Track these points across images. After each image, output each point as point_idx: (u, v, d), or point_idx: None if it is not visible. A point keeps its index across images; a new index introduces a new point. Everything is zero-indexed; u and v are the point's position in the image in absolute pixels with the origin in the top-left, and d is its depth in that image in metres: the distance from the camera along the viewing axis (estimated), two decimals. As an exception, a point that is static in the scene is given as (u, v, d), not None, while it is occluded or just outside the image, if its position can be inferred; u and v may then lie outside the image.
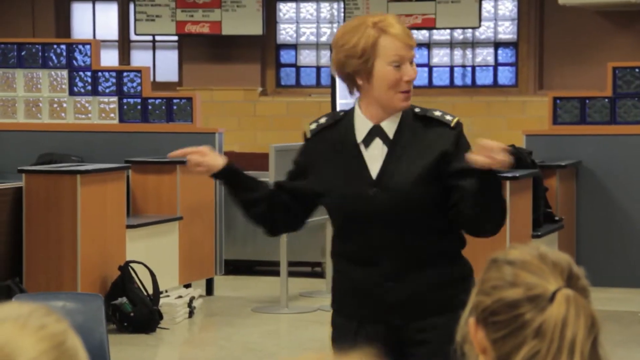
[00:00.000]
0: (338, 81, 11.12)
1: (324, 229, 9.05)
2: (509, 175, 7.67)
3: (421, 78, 12.26)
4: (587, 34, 11.25)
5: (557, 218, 8.48)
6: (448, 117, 3.16)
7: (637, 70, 9.14)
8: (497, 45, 12.07)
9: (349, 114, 3.18)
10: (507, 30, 12.02)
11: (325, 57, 12.53)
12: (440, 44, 12.32)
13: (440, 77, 12.27)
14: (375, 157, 3.12)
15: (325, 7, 12.78)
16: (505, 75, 12.00)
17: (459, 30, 12.11)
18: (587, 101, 9.20)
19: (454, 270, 3.16)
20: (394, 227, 3.08)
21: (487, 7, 12.00)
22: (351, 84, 3.16)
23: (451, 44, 12.27)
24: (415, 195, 3.09)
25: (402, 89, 3.09)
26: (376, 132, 3.12)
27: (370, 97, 3.12)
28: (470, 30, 11.99)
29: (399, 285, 3.10)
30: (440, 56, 12.31)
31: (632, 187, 8.70)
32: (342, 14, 12.34)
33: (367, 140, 3.13)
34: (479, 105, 11.70)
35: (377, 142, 3.11)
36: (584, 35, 11.27)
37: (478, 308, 1.68)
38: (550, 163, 8.77)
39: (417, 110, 3.17)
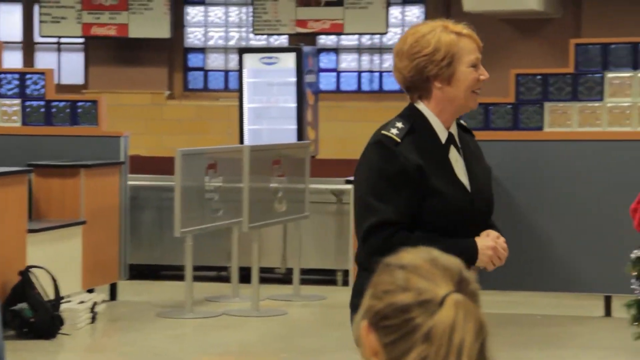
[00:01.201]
0: (247, 86, 11.13)
1: (229, 233, 9.01)
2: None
3: (329, 83, 12.30)
4: (492, 41, 11.38)
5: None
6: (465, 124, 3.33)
7: (539, 77, 9.28)
8: (405, 51, 12.17)
9: (420, 118, 3.16)
10: (414, 37, 12.13)
11: (233, 60, 12.48)
12: (349, 50, 12.38)
13: (348, 82, 12.33)
14: (457, 165, 3.18)
15: (233, 11, 12.74)
16: (413, 81, 12.11)
17: (367, 36, 12.18)
18: (490, 107, 9.31)
19: None
20: (479, 232, 3.18)
21: (395, 13, 12.10)
22: (423, 89, 3.15)
23: (359, 50, 12.34)
24: (492, 205, 3.28)
25: (478, 87, 3.17)
26: (451, 139, 3.19)
27: (445, 101, 3.15)
28: (378, 35, 12.07)
29: None
30: (348, 61, 12.37)
31: (534, 192, 8.83)
32: (251, 18, 12.32)
33: (447, 146, 3.18)
34: (386, 111, 11.73)
35: (453, 150, 3.18)
36: (489, 41, 11.37)
37: (370, 312, 1.68)
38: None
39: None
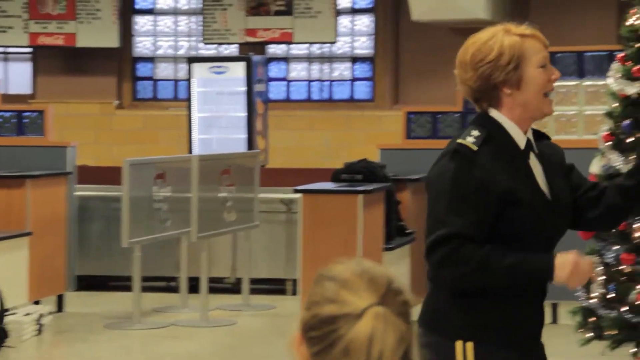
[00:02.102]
0: (196, 95, 11.09)
1: (178, 244, 8.96)
2: (362, 189, 7.73)
3: (279, 92, 12.29)
4: (441, 50, 11.45)
5: (409, 231, 8.58)
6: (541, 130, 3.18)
7: (487, 85, 9.33)
8: (354, 60, 12.19)
9: (494, 125, 3.00)
10: (364, 46, 12.15)
11: (183, 70, 12.43)
12: (298, 59, 12.37)
13: (298, 91, 12.32)
14: (537, 172, 3.02)
15: (183, 20, 12.69)
16: (362, 90, 12.12)
17: (317, 45, 12.18)
18: (439, 116, 9.35)
19: None
20: (557, 242, 3.06)
21: (345, 22, 12.12)
22: (492, 98, 3.00)
23: (309, 59, 12.34)
24: (570, 213, 3.07)
25: (550, 89, 3.01)
26: (530, 145, 3.03)
27: (517, 107, 2.99)
28: (327, 45, 12.08)
29: (542, 309, 3.06)
30: (298, 70, 12.36)
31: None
32: (201, 28, 12.28)
33: (526, 154, 3.02)
34: (336, 120, 11.78)
35: (532, 157, 3.02)
36: (438, 51, 11.47)
37: (301, 322, 1.70)
38: (403, 177, 8.88)
39: None
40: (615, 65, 6.19)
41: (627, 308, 5.78)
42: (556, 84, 9.49)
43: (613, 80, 6.17)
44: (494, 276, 2.89)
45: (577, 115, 8.99)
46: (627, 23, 6.13)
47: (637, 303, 5.75)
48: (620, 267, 5.82)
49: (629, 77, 6.06)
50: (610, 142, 6.05)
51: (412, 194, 8.93)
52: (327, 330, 1.65)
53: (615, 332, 5.83)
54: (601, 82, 8.29)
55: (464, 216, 2.88)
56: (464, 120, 9.30)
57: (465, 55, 3.02)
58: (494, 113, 3.01)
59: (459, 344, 2.93)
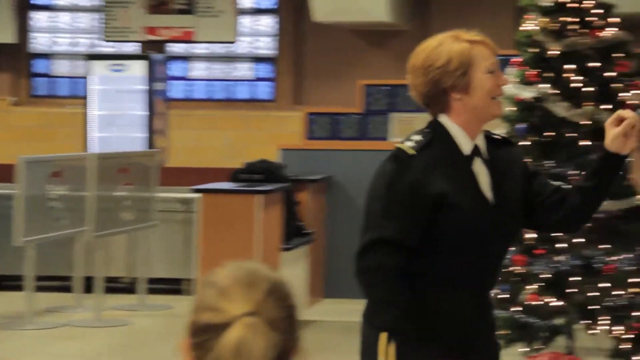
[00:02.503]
0: (96, 93, 10.93)
1: (72, 243, 8.82)
2: (260, 189, 7.71)
3: (180, 91, 12.20)
4: (342, 52, 11.49)
5: (307, 231, 8.59)
6: (506, 136, 3.23)
7: (385, 88, 9.41)
8: (256, 60, 12.16)
9: (441, 131, 3.05)
10: (266, 46, 12.13)
11: (81, 67, 12.25)
12: (199, 58, 12.30)
13: (199, 91, 12.24)
14: (481, 177, 3.05)
15: (83, 17, 12.51)
16: (264, 90, 12.10)
17: (219, 45, 12.12)
18: (339, 117, 9.38)
19: None
20: (502, 251, 3.10)
21: (247, 22, 12.08)
22: (442, 103, 3.05)
23: (210, 58, 12.27)
24: (519, 217, 3.11)
25: (498, 93, 3.05)
26: (476, 150, 3.07)
27: (466, 111, 3.04)
28: (229, 44, 12.03)
29: (488, 307, 3.11)
30: (199, 69, 12.28)
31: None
32: (103, 25, 12.12)
33: (472, 158, 3.06)
34: (237, 119, 11.73)
35: (478, 162, 3.06)
36: (340, 52, 11.51)
37: (187, 325, 1.70)
38: (302, 177, 8.89)
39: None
40: (512, 70, 6.30)
41: (519, 308, 5.89)
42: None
43: (509, 84, 6.28)
44: (383, 310, 2.99)
45: (474, 119, 9.12)
46: (523, 28, 6.25)
47: (527, 303, 5.85)
48: (512, 268, 5.93)
49: (525, 81, 6.17)
50: (506, 145, 6.17)
51: (311, 195, 8.95)
52: (203, 338, 1.65)
53: (507, 332, 5.93)
54: (498, 86, 8.44)
55: (396, 220, 2.95)
56: (364, 122, 9.35)
57: (416, 61, 3.08)
58: (442, 118, 3.07)
59: (383, 336, 2.99)
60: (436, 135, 3.05)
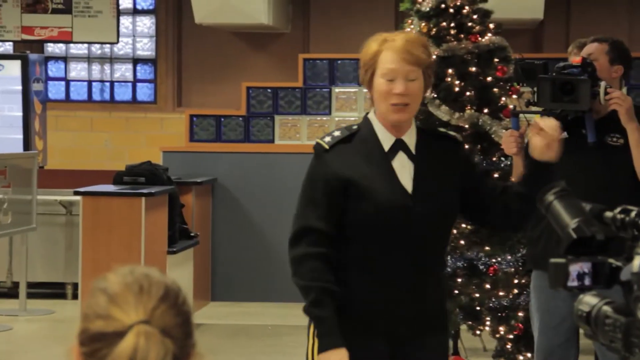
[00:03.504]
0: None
1: (6, 245, 8.64)
2: (145, 191, 7.68)
3: (58, 92, 12.02)
4: (224, 54, 11.49)
5: (192, 234, 8.58)
6: (452, 133, 3.26)
7: (269, 90, 9.46)
8: (136, 61, 12.07)
9: (365, 125, 3.19)
10: (145, 47, 12.05)
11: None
12: (78, 58, 12.14)
13: (78, 92, 12.08)
14: (403, 170, 3.11)
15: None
16: (144, 92, 12.01)
17: (97, 45, 11.99)
18: (223, 119, 9.40)
19: (444, 288, 3.23)
20: (424, 241, 3.10)
21: (126, 23, 11.98)
22: (370, 98, 3.21)
23: (89, 59, 12.13)
24: (445, 210, 3.14)
25: (392, 101, 3.07)
26: (400, 145, 3.14)
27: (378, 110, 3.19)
28: (108, 45, 11.91)
29: (414, 300, 3.10)
30: (77, 70, 12.13)
31: (264, 203, 8.97)
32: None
33: (392, 153, 3.14)
34: (117, 121, 11.62)
35: (402, 156, 3.14)
36: (221, 54, 11.51)
37: (77, 334, 1.65)
38: (186, 179, 8.87)
39: (420, 125, 3.24)
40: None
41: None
42: (337, 89, 9.68)
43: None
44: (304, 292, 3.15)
45: (357, 121, 9.23)
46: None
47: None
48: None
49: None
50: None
51: (196, 197, 8.94)
52: (95, 347, 1.62)
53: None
54: (380, 90, 8.59)
55: (315, 210, 3.13)
56: (247, 124, 9.38)
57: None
58: (370, 113, 3.21)
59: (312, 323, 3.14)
60: (360, 130, 3.18)
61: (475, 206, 3.21)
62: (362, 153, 3.13)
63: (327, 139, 3.18)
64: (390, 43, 3.14)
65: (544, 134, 3.15)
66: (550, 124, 3.16)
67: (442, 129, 3.32)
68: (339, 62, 9.34)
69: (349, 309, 3.10)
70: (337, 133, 3.18)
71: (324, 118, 9.20)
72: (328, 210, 3.12)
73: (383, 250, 3.09)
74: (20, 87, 10.63)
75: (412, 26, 6.34)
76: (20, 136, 10.60)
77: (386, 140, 3.15)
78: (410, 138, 3.16)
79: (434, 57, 3.16)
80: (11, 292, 9.04)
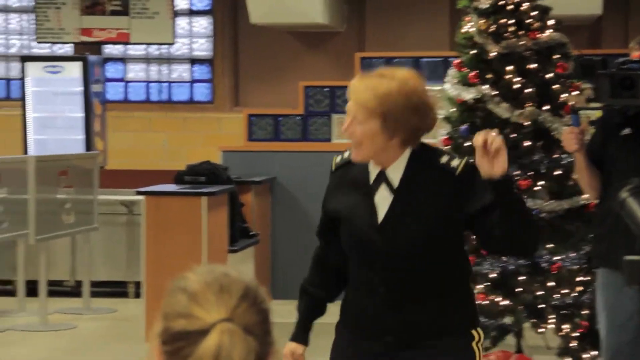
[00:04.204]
0: (31, 95, 10.84)
1: (14, 246, 8.76)
2: (206, 190, 7.74)
3: (117, 93, 12.15)
4: (280, 53, 11.55)
5: (252, 233, 8.63)
6: (454, 164, 3.11)
7: (326, 89, 9.49)
8: (193, 61, 12.16)
9: None
10: (202, 47, 12.14)
11: (14, 69, 12.14)
12: (136, 59, 12.26)
13: (136, 92, 12.21)
14: (381, 203, 3.16)
15: (14, 18, 12.39)
16: (201, 92, 12.11)
17: (155, 46, 12.10)
18: (280, 118, 9.44)
19: (454, 296, 3.20)
20: (395, 270, 3.15)
21: (182, 24, 12.08)
22: None
23: (147, 60, 12.25)
24: (416, 246, 3.12)
25: (347, 136, 3.16)
26: (382, 178, 3.18)
27: None
28: (166, 46, 12.02)
29: (397, 314, 3.17)
30: (135, 71, 12.25)
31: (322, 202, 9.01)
32: (34, 26, 12.02)
33: (376, 185, 3.19)
34: (175, 121, 11.73)
35: (383, 188, 3.17)
36: (278, 54, 11.56)
37: (158, 334, 1.66)
38: (245, 179, 8.93)
39: (420, 158, 3.15)
40: (452, 71, 6.40)
41: (467, 307, 6.00)
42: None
43: (450, 86, 6.38)
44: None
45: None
46: (463, 30, 6.35)
47: (476, 303, 5.96)
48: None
49: (465, 82, 6.27)
50: (449, 146, 6.27)
51: (255, 196, 8.99)
52: (178, 346, 1.62)
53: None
54: (437, 88, 8.52)
55: (321, 221, 3.38)
56: (305, 123, 9.42)
57: None
58: None
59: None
60: None
61: (478, 233, 3.18)
62: (354, 182, 3.22)
63: (338, 159, 3.29)
64: (361, 79, 3.17)
65: (485, 150, 2.96)
66: (484, 136, 2.97)
67: (445, 157, 3.14)
68: (396, 60, 9.34)
69: (349, 317, 3.30)
70: (346, 154, 3.25)
71: (381, 116, 9.23)
72: (326, 226, 3.33)
73: (361, 273, 3.24)
74: (79, 89, 10.76)
75: (470, 23, 6.32)
76: (81, 137, 10.74)
77: (373, 171, 3.20)
78: (395, 171, 3.16)
79: (406, 101, 3.02)
80: (74, 291, 9.16)
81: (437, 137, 6.47)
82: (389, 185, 3.17)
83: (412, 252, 3.13)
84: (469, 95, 6.25)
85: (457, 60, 6.41)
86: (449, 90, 6.37)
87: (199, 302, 1.63)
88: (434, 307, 3.18)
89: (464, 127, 6.26)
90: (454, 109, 6.32)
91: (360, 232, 3.17)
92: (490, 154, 2.93)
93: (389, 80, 3.10)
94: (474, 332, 3.20)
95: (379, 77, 3.12)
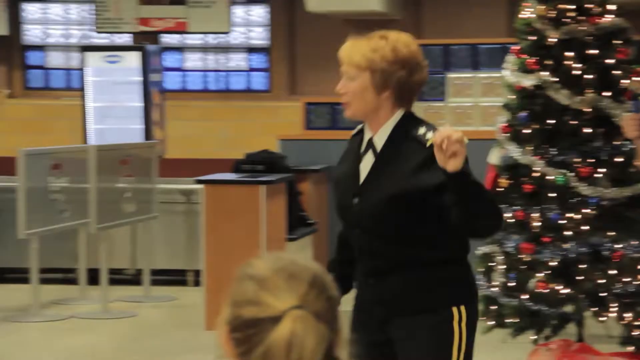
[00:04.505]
0: (91, 84, 10.95)
1: (76, 235, 8.86)
2: (264, 179, 7.77)
3: (175, 82, 12.23)
4: (336, 41, 11.51)
5: (310, 221, 8.65)
6: (428, 136, 3.17)
7: (384, 77, 9.44)
8: (250, 50, 12.20)
9: None
10: (259, 36, 12.17)
11: (75, 59, 12.27)
12: (193, 48, 12.33)
13: (194, 82, 12.28)
14: (365, 168, 3.27)
15: (74, 8, 12.52)
16: (259, 81, 12.14)
17: (212, 35, 12.16)
18: (338, 107, 9.42)
19: (437, 273, 3.23)
20: (372, 234, 3.23)
21: (239, 13, 12.11)
22: None
23: (204, 49, 12.30)
24: (388, 208, 3.20)
25: (341, 98, 3.27)
26: (370, 144, 3.28)
27: None
28: (223, 35, 12.06)
29: (380, 283, 3.25)
30: (193, 60, 12.32)
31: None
32: (94, 16, 12.13)
33: (364, 152, 3.30)
34: (232, 110, 11.77)
35: (369, 155, 3.28)
36: (333, 42, 11.53)
37: (226, 321, 1.67)
38: (303, 167, 8.93)
39: (404, 126, 3.25)
40: (511, 58, 6.34)
41: (527, 296, 5.94)
42: (452, 75, 9.63)
43: (509, 73, 6.32)
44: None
45: (473, 107, 9.17)
46: (521, 16, 6.29)
47: (536, 291, 5.91)
48: (520, 256, 5.98)
49: (525, 69, 6.21)
50: (508, 134, 6.22)
51: (313, 185, 9.00)
52: (248, 333, 1.62)
53: (516, 319, 5.99)
54: (496, 74, 8.48)
55: None
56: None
57: None
58: None
59: None
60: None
61: (443, 209, 3.15)
62: (352, 151, 3.34)
63: (356, 130, 3.38)
64: (345, 43, 3.30)
65: (445, 147, 2.97)
66: (443, 135, 2.97)
67: (423, 129, 3.19)
68: (454, 47, 9.28)
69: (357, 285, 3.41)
70: (360, 126, 3.36)
71: (439, 104, 9.17)
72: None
73: (353, 241, 3.34)
74: (138, 78, 10.84)
75: (529, 9, 6.27)
76: (139, 126, 10.82)
77: (366, 139, 3.30)
78: (380, 137, 3.26)
79: (397, 59, 3.13)
80: (135, 279, 9.25)
81: (495, 124, 6.42)
82: (375, 151, 3.27)
83: (378, 211, 3.21)
84: (528, 82, 6.20)
85: (516, 47, 6.36)
86: (508, 77, 6.32)
87: (268, 289, 1.63)
88: (413, 281, 3.22)
89: (523, 114, 6.21)
90: (513, 96, 6.28)
91: (343, 197, 3.30)
92: (445, 153, 2.97)
93: (378, 38, 3.25)
94: (454, 309, 3.20)
95: (369, 37, 3.28)
